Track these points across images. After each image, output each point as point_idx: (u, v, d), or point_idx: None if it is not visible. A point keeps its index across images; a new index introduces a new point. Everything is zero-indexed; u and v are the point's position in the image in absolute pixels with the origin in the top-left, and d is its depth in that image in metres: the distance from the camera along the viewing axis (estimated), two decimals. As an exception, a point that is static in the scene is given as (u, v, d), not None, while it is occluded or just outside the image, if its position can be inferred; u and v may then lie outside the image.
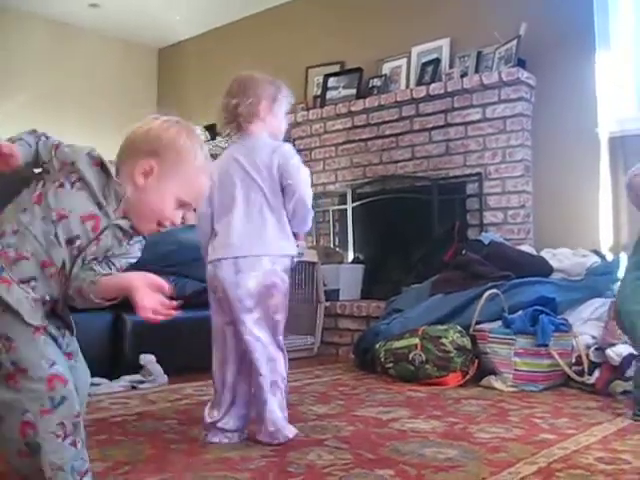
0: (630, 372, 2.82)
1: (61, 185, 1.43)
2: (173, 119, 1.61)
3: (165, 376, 3.16)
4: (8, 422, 1.36)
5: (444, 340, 3.20)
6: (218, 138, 5.78)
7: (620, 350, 2.94)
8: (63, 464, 1.37)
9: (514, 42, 4.43)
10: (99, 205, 1.46)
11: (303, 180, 2.18)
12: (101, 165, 1.48)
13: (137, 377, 3.15)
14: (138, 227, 1.52)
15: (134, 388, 3.06)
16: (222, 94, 2.29)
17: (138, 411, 2.59)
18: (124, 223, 1.50)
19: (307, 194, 2.19)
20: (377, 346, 3.46)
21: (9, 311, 1.35)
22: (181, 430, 2.27)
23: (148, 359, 3.19)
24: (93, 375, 2.97)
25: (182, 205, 1.55)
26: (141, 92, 7.07)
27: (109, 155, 1.52)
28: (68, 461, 1.38)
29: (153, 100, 7.22)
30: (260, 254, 2.10)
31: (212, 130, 5.86)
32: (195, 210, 1.74)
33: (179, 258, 3.31)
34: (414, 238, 4.66)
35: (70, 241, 1.43)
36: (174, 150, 1.53)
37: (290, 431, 2.13)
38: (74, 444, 1.39)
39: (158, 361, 3.20)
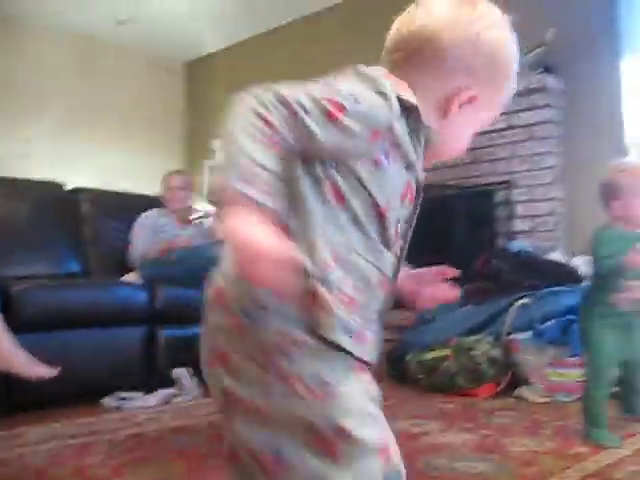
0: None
1: (375, 163, 0.94)
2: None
3: (199, 389, 3.19)
4: None
5: (475, 351, 3.19)
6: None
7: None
8: None
9: (541, 48, 4.42)
10: (409, 165, 0.98)
11: None
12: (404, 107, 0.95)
13: (171, 391, 3.20)
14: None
15: (167, 403, 3.10)
16: None
17: (172, 426, 2.62)
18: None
19: None
20: (408, 357, 3.47)
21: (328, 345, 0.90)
22: (216, 445, 2.30)
23: (181, 373, 3.23)
24: (126, 389, 3.07)
25: None
26: (169, 106, 7.16)
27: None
28: None
29: (181, 114, 7.31)
30: None
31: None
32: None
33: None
34: (443, 247, 4.64)
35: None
36: (492, 66, 1.02)
37: None
38: None
39: (193, 374, 3.24)
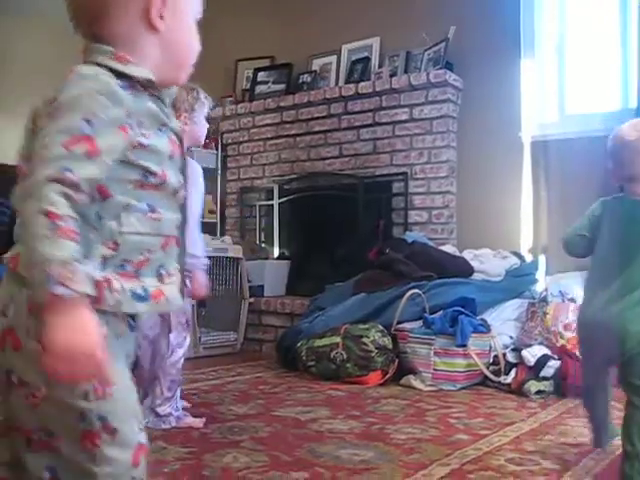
0: (544, 372, 2.92)
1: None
2: None
3: None
4: None
5: (365, 339, 3.22)
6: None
7: (535, 351, 3.01)
8: None
9: (442, 44, 4.49)
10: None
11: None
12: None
13: None
14: (175, 79, 1.10)
15: None
16: None
17: None
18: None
19: None
20: (299, 344, 3.46)
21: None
22: None
23: None
24: None
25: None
26: None
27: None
28: None
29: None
30: None
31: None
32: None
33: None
34: (339, 235, 4.67)
35: None
36: None
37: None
38: None
39: None
